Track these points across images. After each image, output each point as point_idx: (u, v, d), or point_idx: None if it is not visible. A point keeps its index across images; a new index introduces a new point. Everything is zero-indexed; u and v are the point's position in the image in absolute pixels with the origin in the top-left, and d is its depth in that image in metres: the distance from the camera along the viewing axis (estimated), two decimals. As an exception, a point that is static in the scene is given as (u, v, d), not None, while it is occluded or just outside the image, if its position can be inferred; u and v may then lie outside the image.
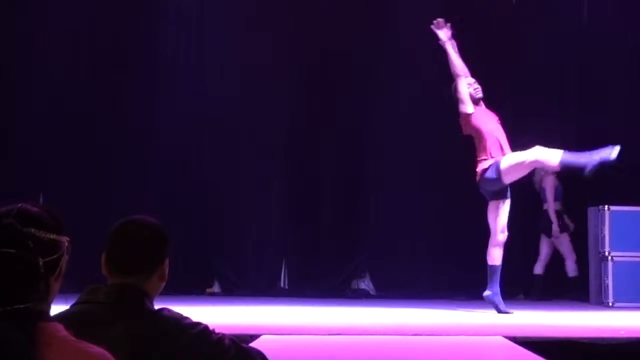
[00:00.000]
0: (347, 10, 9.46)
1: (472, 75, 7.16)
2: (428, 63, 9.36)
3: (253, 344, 2.68)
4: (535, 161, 6.50)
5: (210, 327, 2.20)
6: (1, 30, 9.06)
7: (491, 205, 6.70)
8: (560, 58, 9.52)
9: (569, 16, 9.55)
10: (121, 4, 9.30)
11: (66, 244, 1.73)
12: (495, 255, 6.60)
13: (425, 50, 9.39)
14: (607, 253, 8.05)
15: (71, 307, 2.17)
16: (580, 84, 9.54)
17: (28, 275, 1.59)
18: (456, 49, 7.12)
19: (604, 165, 6.31)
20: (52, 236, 1.68)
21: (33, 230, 1.65)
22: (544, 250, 9.07)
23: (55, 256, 1.68)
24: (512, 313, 6.54)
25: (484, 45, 9.42)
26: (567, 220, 9.00)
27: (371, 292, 9.15)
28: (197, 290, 8.89)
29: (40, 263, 1.61)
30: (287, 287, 9.24)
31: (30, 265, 1.59)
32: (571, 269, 8.94)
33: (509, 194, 6.72)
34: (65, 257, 1.72)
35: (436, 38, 7.09)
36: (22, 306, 1.55)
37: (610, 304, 7.90)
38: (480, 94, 6.94)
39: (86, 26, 9.23)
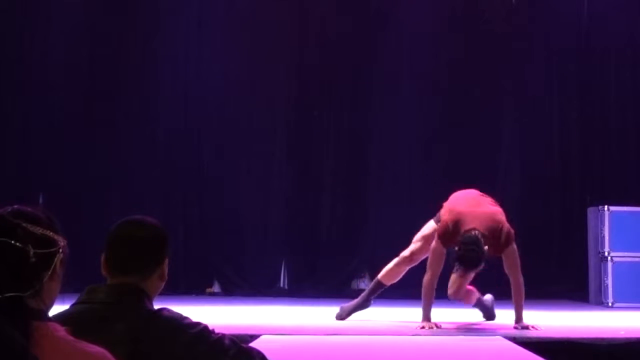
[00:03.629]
0: (347, 9, 9.46)
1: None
2: (429, 61, 9.37)
3: (253, 344, 2.68)
4: None
5: (210, 327, 2.20)
6: (0, 31, 9.07)
7: None
8: (561, 58, 9.51)
9: (569, 16, 9.54)
10: (120, 5, 9.30)
11: (61, 243, 1.73)
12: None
13: (425, 48, 9.41)
14: (606, 253, 8.04)
15: (71, 307, 2.17)
16: (581, 84, 9.53)
17: (17, 263, 1.60)
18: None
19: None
20: (43, 231, 1.69)
21: (23, 223, 1.66)
22: None
23: (47, 250, 1.68)
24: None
25: (484, 45, 9.42)
26: None
27: (371, 292, 9.14)
28: (197, 290, 8.89)
29: (31, 252, 1.62)
30: (287, 287, 9.24)
31: (19, 253, 1.60)
32: None
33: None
34: (60, 256, 1.73)
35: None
36: (12, 294, 1.56)
37: (610, 304, 7.90)
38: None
39: (86, 26, 9.23)
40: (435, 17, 9.43)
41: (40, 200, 8.62)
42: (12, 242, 1.60)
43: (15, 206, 1.73)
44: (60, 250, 1.73)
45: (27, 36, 9.11)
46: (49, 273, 1.69)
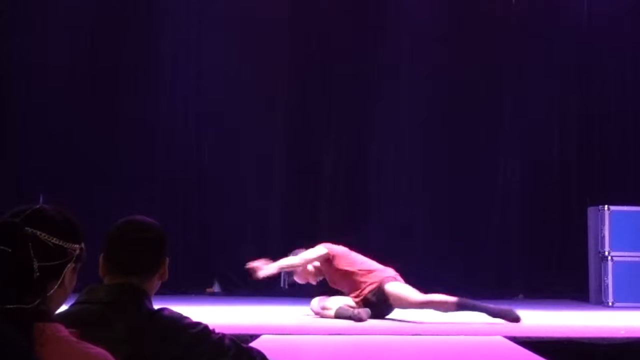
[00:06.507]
0: (347, 8, 9.45)
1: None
2: (429, 60, 9.37)
3: (253, 344, 2.68)
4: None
5: (210, 327, 2.20)
6: (1, 32, 9.07)
7: None
8: (561, 58, 9.52)
9: (569, 16, 9.54)
10: (120, 5, 9.30)
11: (77, 251, 1.71)
12: None
13: (426, 47, 9.41)
14: (607, 253, 8.04)
15: (70, 306, 2.16)
16: (581, 84, 9.53)
17: (20, 277, 1.56)
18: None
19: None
20: (58, 242, 1.67)
21: (38, 233, 1.63)
22: None
23: (56, 262, 1.66)
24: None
25: (484, 45, 9.42)
26: None
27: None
28: (197, 290, 8.89)
29: (35, 266, 1.58)
30: (287, 287, 9.22)
31: (23, 267, 1.56)
32: None
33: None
34: (72, 265, 1.70)
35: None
36: (12, 306, 1.53)
37: (610, 304, 7.90)
38: None
39: (86, 27, 9.23)
40: (435, 16, 9.43)
41: (41, 200, 8.61)
42: (18, 255, 1.56)
43: (38, 207, 1.70)
44: (74, 260, 1.71)
45: (27, 35, 9.10)
46: (57, 283, 1.67)
